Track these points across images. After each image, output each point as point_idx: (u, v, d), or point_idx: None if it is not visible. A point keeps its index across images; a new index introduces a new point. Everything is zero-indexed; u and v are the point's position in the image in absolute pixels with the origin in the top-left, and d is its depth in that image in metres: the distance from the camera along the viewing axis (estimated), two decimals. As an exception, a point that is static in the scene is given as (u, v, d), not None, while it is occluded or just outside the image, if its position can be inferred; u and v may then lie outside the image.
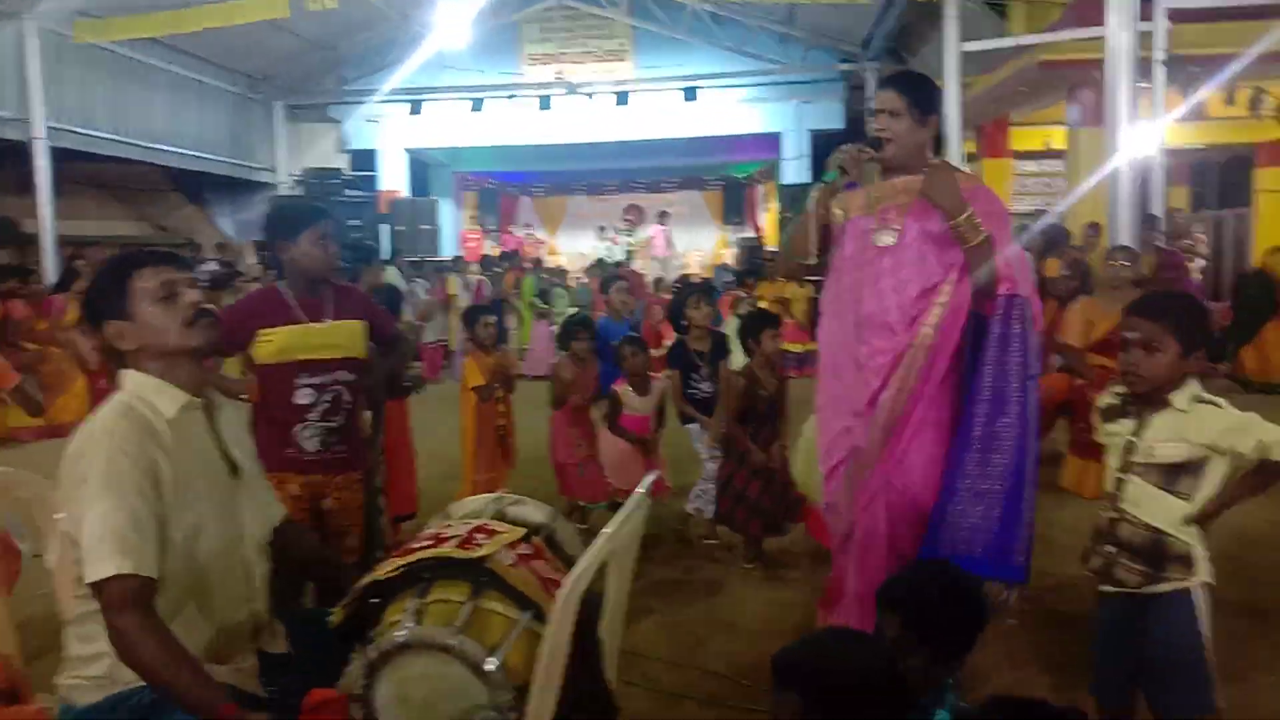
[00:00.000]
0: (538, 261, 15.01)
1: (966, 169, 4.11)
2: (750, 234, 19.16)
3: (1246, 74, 9.35)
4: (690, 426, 5.10)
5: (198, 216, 16.44)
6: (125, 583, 1.78)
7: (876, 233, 2.93)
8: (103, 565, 1.78)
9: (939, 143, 3.03)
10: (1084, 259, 7.86)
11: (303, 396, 3.18)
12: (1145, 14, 8.34)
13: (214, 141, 14.98)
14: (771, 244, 15.69)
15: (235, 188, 16.23)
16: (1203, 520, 2.34)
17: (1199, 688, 2.34)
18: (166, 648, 1.78)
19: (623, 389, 4.97)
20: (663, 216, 18.89)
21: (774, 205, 17.94)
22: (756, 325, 4.72)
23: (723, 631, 3.81)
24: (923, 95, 2.93)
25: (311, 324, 3.22)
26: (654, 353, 5.51)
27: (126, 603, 1.78)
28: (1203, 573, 2.36)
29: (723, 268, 16.19)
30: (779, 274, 3.37)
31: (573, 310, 12.32)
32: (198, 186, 16.03)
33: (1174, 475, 2.35)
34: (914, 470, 2.87)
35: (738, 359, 5.14)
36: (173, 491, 1.91)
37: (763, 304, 10.00)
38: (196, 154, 14.49)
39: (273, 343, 3.17)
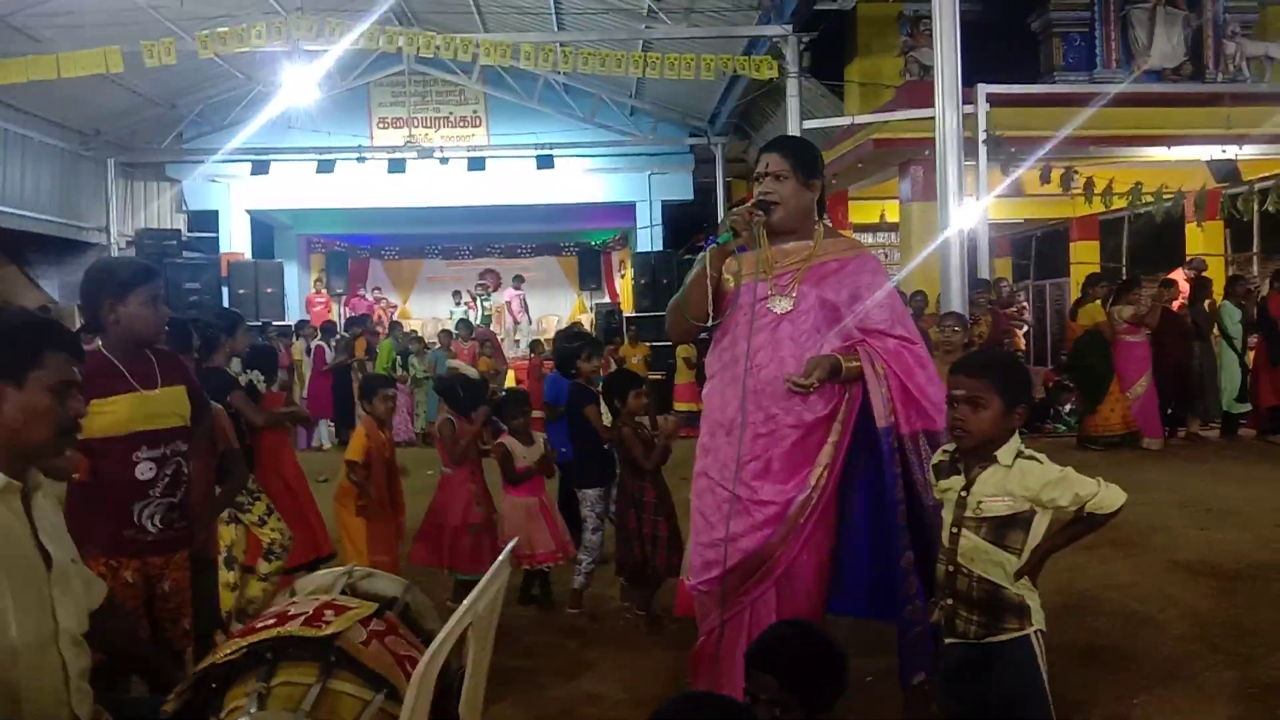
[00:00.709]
0: (395, 325, 14.66)
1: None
2: (607, 299, 19.36)
3: (1059, 154, 10.19)
4: (585, 492, 5.01)
5: (18, 278, 15.33)
6: None
7: (772, 298, 2.92)
8: None
9: (822, 206, 3.07)
10: (923, 325, 8.27)
11: (145, 471, 2.94)
12: (968, 97, 9.00)
13: (39, 199, 14.07)
14: (628, 309, 15.88)
15: (62, 249, 15.23)
16: (1029, 572, 2.44)
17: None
18: None
19: (509, 441, 4.94)
20: (517, 281, 18.87)
21: (629, 271, 18.21)
22: (622, 386, 4.79)
23: (586, 704, 3.72)
24: (807, 159, 2.97)
25: (147, 391, 2.99)
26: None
27: None
28: (1037, 620, 2.46)
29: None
30: (670, 336, 3.36)
31: (424, 374, 12.11)
32: (19, 246, 14.99)
33: (1003, 529, 2.45)
34: (807, 568, 2.93)
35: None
36: None
37: (630, 365, 10.08)
38: (18, 212, 13.56)
39: (111, 414, 2.91)
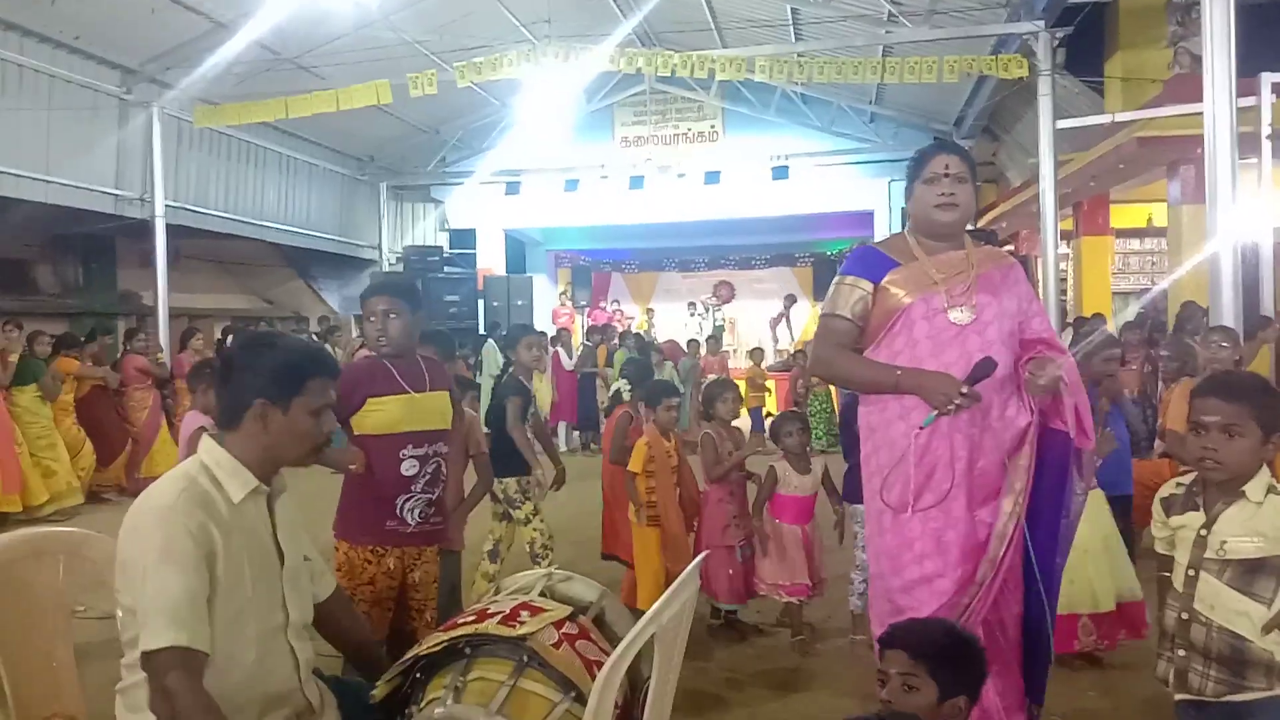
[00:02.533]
0: (625, 334, 15.09)
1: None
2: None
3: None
4: (854, 507, 4.58)
5: (304, 291, 17.14)
6: (178, 654, 1.80)
7: (950, 310, 2.74)
8: (158, 636, 1.80)
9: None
10: (1187, 341, 7.52)
11: (409, 468, 3.21)
12: (1249, 89, 8.11)
13: (322, 220, 15.67)
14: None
15: (341, 264, 16.92)
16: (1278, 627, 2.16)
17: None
18: (211, 713, 1.78)
19: (781, 465, 4.61)
20: (789, 300, 18.85)
21: (866, 282, 17.75)
22: None
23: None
24: (975, 163, 2.90)
25: (416, 394, 3.27)
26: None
27: (177, 666, 1.79)
28: (1291, 680, 2.18)
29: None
30: (818, 375, 3.07)
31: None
32: (306, 262, 16.75)
33: (1250, 575, 2.18)
34: (1010, 600, 2.73)
35: None
36: (224, 573, 1.93)
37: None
38: (305, 231, 15.18)
39: (383, 412, 3.21)
